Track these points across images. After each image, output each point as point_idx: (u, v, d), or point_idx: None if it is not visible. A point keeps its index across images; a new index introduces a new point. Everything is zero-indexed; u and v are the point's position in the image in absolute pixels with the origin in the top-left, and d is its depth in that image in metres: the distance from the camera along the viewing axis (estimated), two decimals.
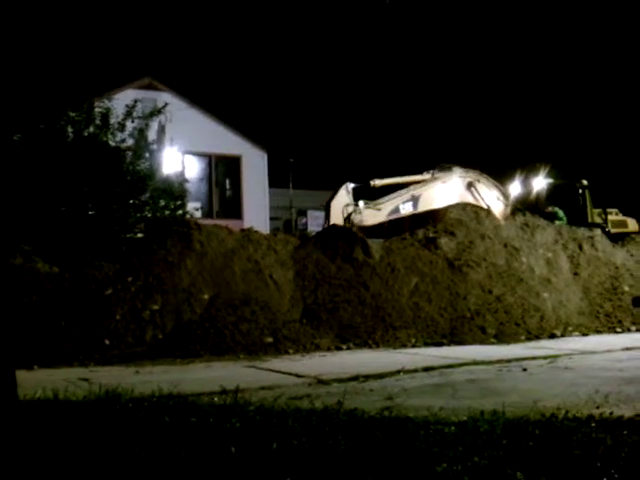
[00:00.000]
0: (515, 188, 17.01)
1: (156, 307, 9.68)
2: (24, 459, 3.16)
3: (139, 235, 12.86)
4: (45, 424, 3.83)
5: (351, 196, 13.01)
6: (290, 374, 7.11)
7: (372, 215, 12.99)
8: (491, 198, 14.02)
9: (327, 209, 13.03)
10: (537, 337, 10.48)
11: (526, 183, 17.55)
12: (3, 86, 3.41)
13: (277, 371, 7.44)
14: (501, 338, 10.25)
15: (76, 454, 3.24)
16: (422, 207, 13.33)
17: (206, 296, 10.02)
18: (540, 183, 17.67)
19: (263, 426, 3.86)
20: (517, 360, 7.76)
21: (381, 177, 13.73)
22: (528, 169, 17.63)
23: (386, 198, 13.20)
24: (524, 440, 3.43)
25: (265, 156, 25.98)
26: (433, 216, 13.08)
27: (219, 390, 5.42)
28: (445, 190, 13.63)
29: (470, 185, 13.87)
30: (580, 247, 12.95)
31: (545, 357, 7.97)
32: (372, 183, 13.44)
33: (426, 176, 13.87)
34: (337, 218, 12.77)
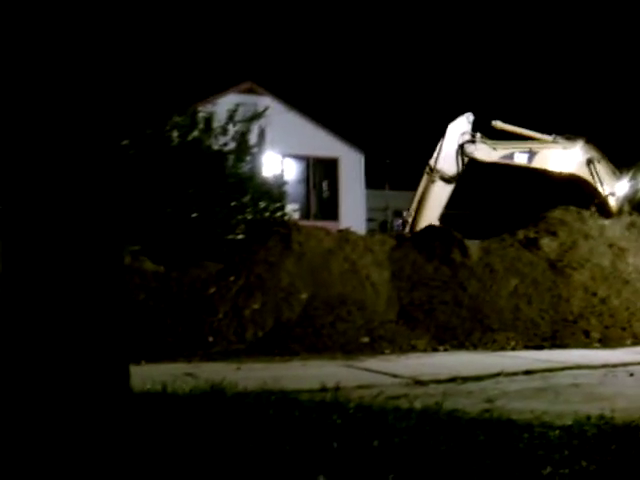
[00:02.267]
0: (623, 186, 16.39)
1: (256, 306, 9.92)
2: (136, 447, 3.33)
3: (240, 236, 13.19)
4: (155, 416, 4.02)
5: (470, 126, 13.39)
6: (386, 374, 7.12)
7: (486, 151, 13.30)
8: (607, 184, 13.83)
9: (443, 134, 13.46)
10: None
11: (635, 181, 16.86)
12: (115, 93, 3.62)
13: (374, 371, 7.47)
14: (606, 342, 9.88)
15: (185, 444, 3.39)
16: (536, 163, 13.46)
17: (304, 296, 10.18)
18: None
19: (363, 423, 3.90)
20: (623, 365, 7.48)
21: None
22: (637, 167, 16.93)
23: (505, 142, 13.42)
24: (635, 446, 3.33)
25: (362, 158, 26.09)
26: (544, 177, 13.33)
27: (318, 387, 5.52)
28: (564, 157, 13.59)
29: (590, 162, 13.66)
30: None
31: None
32: (493, 123, 13.55)
33: (549, 138, 13.88)
34: (451, 142, 13.21)
